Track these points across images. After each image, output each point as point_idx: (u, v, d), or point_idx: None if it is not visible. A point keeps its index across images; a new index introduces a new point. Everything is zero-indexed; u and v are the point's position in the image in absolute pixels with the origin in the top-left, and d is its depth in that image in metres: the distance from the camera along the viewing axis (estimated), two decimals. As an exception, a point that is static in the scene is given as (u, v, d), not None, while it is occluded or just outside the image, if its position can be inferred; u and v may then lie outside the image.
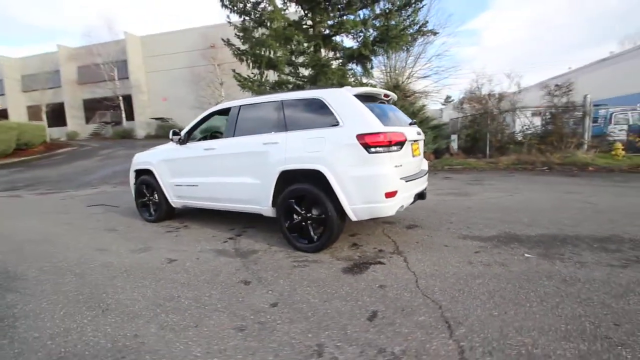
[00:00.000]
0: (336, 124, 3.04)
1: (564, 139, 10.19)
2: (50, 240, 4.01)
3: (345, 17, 11.07)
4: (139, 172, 4.82)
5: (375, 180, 2.87)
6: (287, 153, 3.20)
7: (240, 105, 3.78)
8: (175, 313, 2.19)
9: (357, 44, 11.23)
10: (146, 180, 4.67)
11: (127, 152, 16.85)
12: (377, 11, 11.35)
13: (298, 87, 11.87)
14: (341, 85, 11.27)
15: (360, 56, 10.87)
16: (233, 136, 3.73)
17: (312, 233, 3.20)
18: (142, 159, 4.80)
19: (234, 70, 12.32)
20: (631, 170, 7.93)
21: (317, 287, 2.49)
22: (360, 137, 2.87)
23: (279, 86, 11.95)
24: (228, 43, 12.37)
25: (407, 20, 10.83)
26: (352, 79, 12.39)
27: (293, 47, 11.46)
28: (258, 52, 11.67)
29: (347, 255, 3.13)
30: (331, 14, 11.04)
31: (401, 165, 3.08)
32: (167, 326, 2.04)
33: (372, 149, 2.84)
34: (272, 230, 4.03)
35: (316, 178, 3.09)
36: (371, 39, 10.50)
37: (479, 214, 4.48)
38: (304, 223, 3.24)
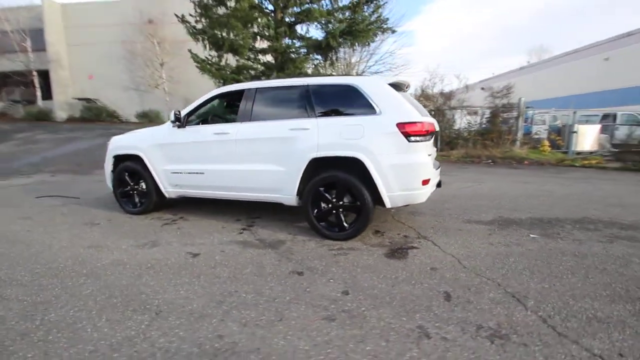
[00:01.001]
0: (373, 112, 3.04)
1: (502, 136, 11.61)
2: (19, 240, 3.32)
3: (311, 6, 10.94)
4: (119, 158, 4.22)
5: (415, 168, 2.96)
6: (320, 140, 3.11)
7: (257, 88, 3.54)
8: (246, 309, 2.03)
9: (324, 34, 11.21)
10: (130, 167, 4.11)
11: (50, 137, 14.50)
12: (341, 3, 11.45)
13: (262, 73, 11.46)
14: (306, 74, 11.20)
15: (327, 47, 10.88)
16: (250, 121, 3.48)
17: (343, 221, 3.19)
18: (125, 143, 4.20)
19: (190, 51, 11.37)
20: (558, 164, 9.38)
21: (373, 273, 2.51)
22: (400, 125, 2.92)
23: (240, 71, 11.38)
24: (183, 20, 11.36)
25: (373, 16, 11.13)
26: (313, 69, 12.37)
27: (258, 30, 10.97)
28: (218, 32, 10.95)
29: (378, 242, 3.20)
30: (298, 1, 10.79)
31: (430, 155, 3.23)
32: (249, 323, 1.88)
33: (412, 138, 2.92)
34: (283, 219, 3.90)
35: (349, 165, 3.08)
36: (339, 31, 10.56)
37: (466, 201, 4.90)
38: (334, 211, 3.21)
